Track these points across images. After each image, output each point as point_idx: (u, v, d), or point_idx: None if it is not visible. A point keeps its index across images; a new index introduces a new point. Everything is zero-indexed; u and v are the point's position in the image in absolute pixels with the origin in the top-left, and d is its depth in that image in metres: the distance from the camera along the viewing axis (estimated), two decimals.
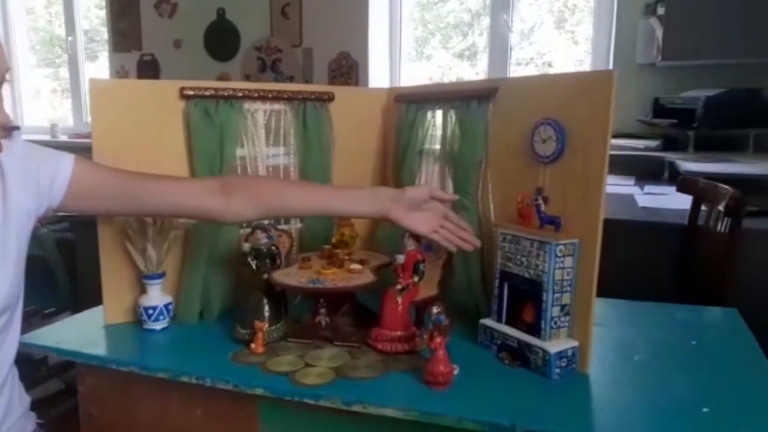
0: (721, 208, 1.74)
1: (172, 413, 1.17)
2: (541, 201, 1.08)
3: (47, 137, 4.15)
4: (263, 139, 1.40)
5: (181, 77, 1.31)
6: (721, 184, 1.82)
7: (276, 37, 3.67)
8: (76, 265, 2.21)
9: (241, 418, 1.11)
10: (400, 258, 1.16)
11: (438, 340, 1.00)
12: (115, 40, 4.10)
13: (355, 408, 0.99)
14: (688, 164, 2.51)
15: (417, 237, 1.19)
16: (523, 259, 1.09)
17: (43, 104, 4.73)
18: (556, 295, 1.05)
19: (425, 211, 1.14)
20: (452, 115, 1.32)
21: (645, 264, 2.08)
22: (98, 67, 4.41)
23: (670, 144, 2.99)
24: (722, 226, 1.74)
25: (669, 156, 2.81)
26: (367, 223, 1.54)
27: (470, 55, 3.79)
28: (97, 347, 1.22)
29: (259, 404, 1.08)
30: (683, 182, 2.07)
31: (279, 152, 1.42)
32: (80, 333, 1.28)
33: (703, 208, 1.94)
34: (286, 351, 1.16)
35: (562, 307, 1.06)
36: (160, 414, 1.18)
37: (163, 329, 1.29)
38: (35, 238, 1.54)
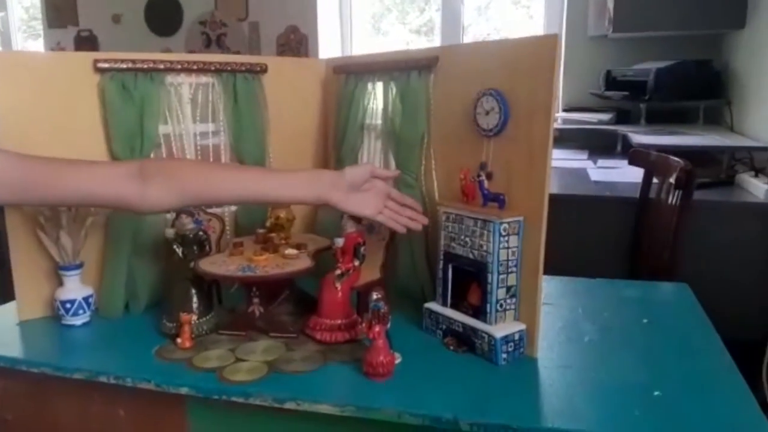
0: (672, 180, 1.72)
1: (93, 415, 1.07)
2: (484, 177, 1.01)
3: None
4: (189, 116, 1.29)
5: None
6: (672, 157, 1.79)
7: (220, 10, 3.50)
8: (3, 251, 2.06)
9: (169, 418, 1.02)
10: (339, 241, 1.08)
11: (377, 328, 0.93)
12: (51, 16, 3.86)
13: (288, 405, 0.91)
14: (640, 137, 2.49)
15: (357, 218, 1.11)
16: (467, 239, 1.02)
17: None
18: (502, 276, 0.99)
19: (366, 191, 1.06)
20: (393, 87, 1.23)
21: (598, 239, 2.06)
22: (39, 45, 4.15)
23: (623, 117, 2.98)
24: (673, 199, 1.72)
25: (622, 129, 2.80)
26: (308, 207, 1.45)
27: (427, 31, 3.70)
28: (8, 346, 1.11)
29: (187, 403, 0.99)
30: (634, 155, 2.05)
31: (208, 129, 1.31)
32: None
33: (654, 181, 1.92)
34: (216, 345, 1.08)
35: (508, 288, 1.00)
36: (80, 416, 1.08)
37: (84, 324, 1.19)
38: None
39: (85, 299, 1.18)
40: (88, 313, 1.19)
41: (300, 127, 1.43)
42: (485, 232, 0.99)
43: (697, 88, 2.72)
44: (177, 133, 1.27)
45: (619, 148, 2.80)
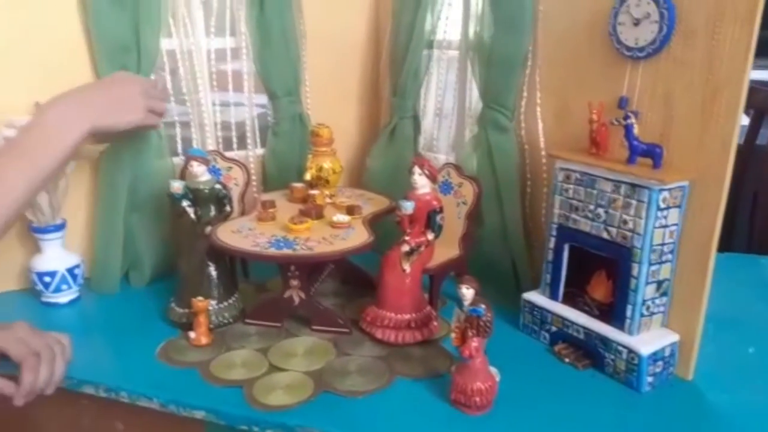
0: None
1: (84, 428, 0.82)
2: (632, 119, 0.69)
3: None
4: (201, 26, 0.96)
5: None
6: None
7: None
8: None
9: None
10: (408, 206, 0.77)
11: (475, 343, 0.64)
12: None
13: None
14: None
15: (432, 173, 0.80)
16: (600, 210, 0.71)
17: None
18: (653, 268, 0.68)
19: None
20: None
21: None
22: None
23: None
24: None
25: None
26: (353, 148, 1.14)
27: None
28: None
29: (206, 424, 0.73)
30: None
31: (225, 45, 0.99)
32: None
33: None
34: (242, 341, 0.80)
35: (659, 284, 0.70)
36: (68, 428, 0.83)
37: (71, 302, 0.92)
38: None
39: (70, 270, 0.91)
40: (75, 288, 0.92)
41: (345, 44, 1.10)
42: (633, 202, 0.68)
43: None
44: (185, 49, 0.95)
45: None
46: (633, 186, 0.68)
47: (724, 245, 1.43)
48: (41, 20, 0.87)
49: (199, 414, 0.69)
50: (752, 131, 1.61)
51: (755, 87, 1.66)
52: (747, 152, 1.62)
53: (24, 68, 0.87)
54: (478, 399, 0.65)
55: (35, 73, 0.87)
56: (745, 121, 1.63)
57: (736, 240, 1.61)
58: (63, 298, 0.91)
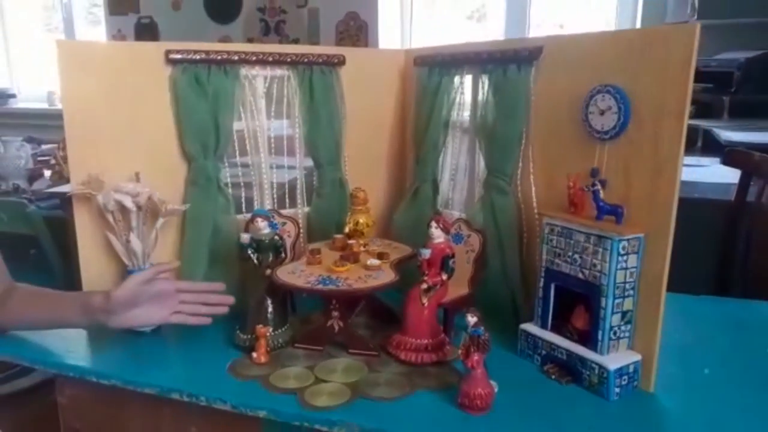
0: None
1: (164, 430, 1.01)
2: (599, 186, 0.89)
3: (45, 105, 3.96)
4: (264, 111, 1.21)
5: (181, 41, 1.11)
6: None
7: None
8: (68, 242, 2.06)
9: None
10: (426, 252, 0.98)
11: (476, 357, 0.83)
12: (112, 2, 3.87)
13: None
14: (729, 133, 2.29)
15: (446, 227, 1.01)
16: (576, 256, 0.91)
17: (40, 72, 4.49)
18: (617, 301, 0.87)
19: (151, 297, 0.99)
20: (485, 81, 1.12)
21: (684, 247, 1.89)
22: (99, 32, 4.16)
23: (703, 110, 2.76)
24: None
25: (703, 124, 2.59)
26: (383, 206, 1.36)
27: (480, 17, 3.52)
28: (77, 354, 1.06)
29: (263, 425, 0.92)
30: (733, 156, 1.86)
31: (282, 126, 1.23)
32: (57, 334, 1.10)
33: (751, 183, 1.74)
34: (292, 360, 1.00)
35: (623, 314, 0.89)
36: (151, 430, 1.03)
37: (153, 332, 1.12)
38: (23, 216, 1.38)
39: None
40: None
41: (377, 123, 1.33)
42: (600, 249, 0.87)
43: None
44: (251, 129, 1.20)
45: (699, 144, 2.60)
46: (600, 237, 0.87)
47: (720, 292, 1.58)
48: (144, 111, 1.12)
49: (262, 413, 0.88)
50: (741, 190, 1.78)
51: (741, 150, 1.86)
52: (737, 209, 1.78)
53: (129, 148, 1.11)
54: (479, 402, 0.83)
55: (138, 150, 1.12)
56: (735, 179, 1.81)
57: (732, 287, 1.75)
58: (148, 327, 1.12)
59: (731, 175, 1.85)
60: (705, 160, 2.30)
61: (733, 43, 2.71)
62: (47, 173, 1.83)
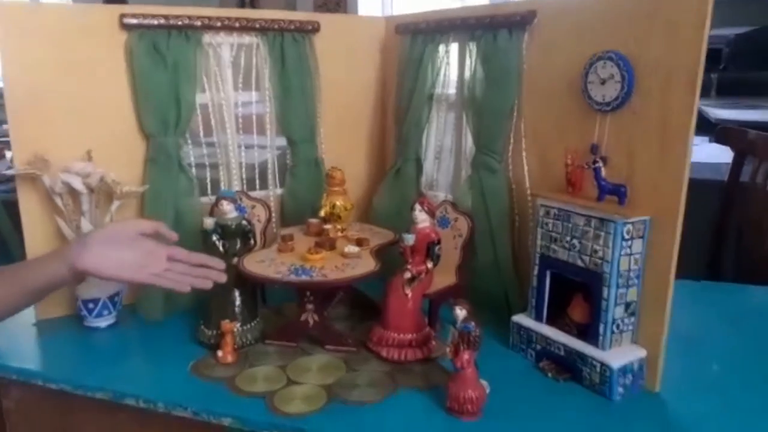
0: None
1: None
2: (600, 163, 0.80)
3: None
4: (230, 82, 1.10)
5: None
6: None
7: None
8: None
9: None
10: (410, 238, 0.89)
11: (466, 356, 0.74)
12: None
13: None
14: (719, 111, 2.22)
15: (431, 210, 0.92)
16: (575, 241, 0.82)
17: None
18: (621, 291, 0.79)
19: (134, 248, 0.85)
20: (473, 50, 1.02)
21: None
22: None
23: None
24: None
25: None
26: (362, 187, 1.26)
27: None
28: (23, 354, 0.95)
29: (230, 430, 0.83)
30: (725, 133, 1.79)
31: (251, 99, 1.12)
32: (2, 332, 0.99)
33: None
34: (263, 359, 0.90)
35: (627, 305, 0.80)
36: None
37: (110, 327, 1.03)
38: None
39: (111, 298, 1.02)
40: (114, 313, 1.03)
41: (355, 97, 1.23)
42: (602, 234, 0.78)
43: None
44: (216, 103, 1.09)
45: None
46: (601, 220, 0.79)
47: (713, 275, 1.52)
48: (97, 82, 1.01)
49: (227, 420, 0.79)
50: (735, 169, 1.71)
51: (734, 128, 1.79)
52: (732, 189, 1.72)
53: (80, 123, 1.00)
54: (469, 407, 0.75)
55: (90, 126, 1.01)
56: (726, 158, 1.74)
57: (724, 270, 1.69)
58: (103, 322, 1.02)
59: (722, 155, 1.78)
60: (694, 139, 2.22)
61: (723, 19, 2.63)
62: (9, 154, 1.71)
